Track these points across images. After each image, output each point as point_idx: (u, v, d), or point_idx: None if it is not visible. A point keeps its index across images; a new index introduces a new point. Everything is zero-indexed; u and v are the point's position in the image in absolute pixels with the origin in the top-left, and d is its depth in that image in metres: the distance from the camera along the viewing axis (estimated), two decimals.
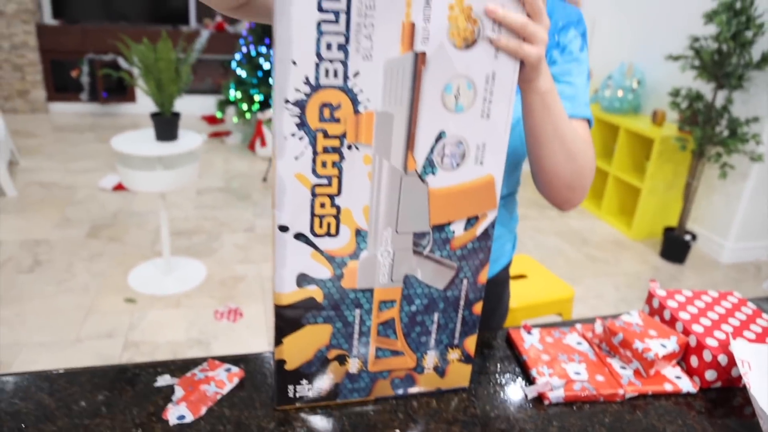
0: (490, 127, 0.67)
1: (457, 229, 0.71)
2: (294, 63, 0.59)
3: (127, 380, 0.78)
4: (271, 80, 4.93)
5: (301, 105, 0.60)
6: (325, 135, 0.62)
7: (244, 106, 4.95)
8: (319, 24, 0.58)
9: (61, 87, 5.89)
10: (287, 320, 0.71)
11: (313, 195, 0.65)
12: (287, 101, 0.60)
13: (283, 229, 0.65)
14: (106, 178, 4.01)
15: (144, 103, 6.15)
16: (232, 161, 4.68)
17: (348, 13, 0.58)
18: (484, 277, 0.75)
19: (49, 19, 5.90)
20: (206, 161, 4.60)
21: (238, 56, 5.09)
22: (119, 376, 0.79)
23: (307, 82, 0.60)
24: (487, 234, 0.72)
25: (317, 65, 0.59)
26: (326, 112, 0.61)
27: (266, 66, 4.90)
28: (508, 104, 0.67)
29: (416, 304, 0.74)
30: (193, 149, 2.58)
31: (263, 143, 4.72)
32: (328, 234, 0.67)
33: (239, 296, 2.71)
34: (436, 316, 0.75)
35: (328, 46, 0.59)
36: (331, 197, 0.65)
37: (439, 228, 0.70)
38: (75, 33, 5.78)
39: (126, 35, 5.80)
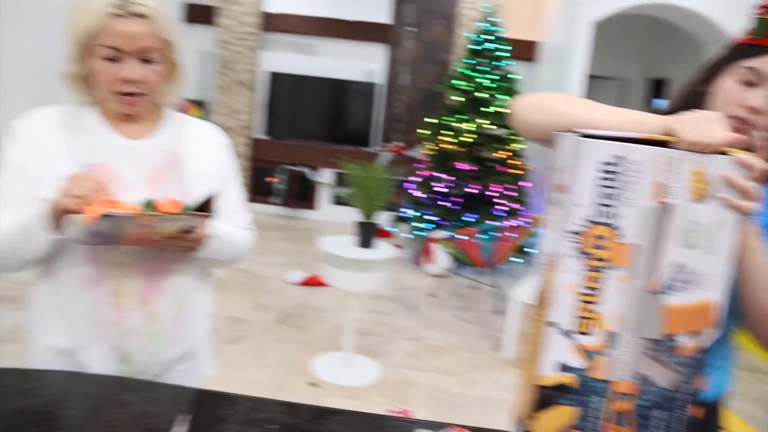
0: (716, 261, 0.87)
1: (684, 340, 0.89)
2: (577, 205, 0.84)
3: None
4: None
5: (578, 234, 0.85)
6: (593, 258, 0.85)
7: (417, 224, 5.38)
8: (598, 180, 0.83)
9: (260, 190, 6.83)
10: (543, 398, 0.91)
11: (579, 301, 0.87)
12: (568, 231, 0.85)
13: (552, 324, 0.88)
14: (293, 273, 4.52)
15: (325, 212, 6.88)
16: (402, 273, 5.04)
17: (619, 174, 0.82)
18: (704, 384, 0.91)
19: (260, 134, 6.97)
20: None
21: (414, 178, 5.61)
22: None
23: (585, 218, 0.84)
24: (707, 348, 0.89)
25: (593, 208, 0.84)
26: (596, 241, 0.85)
27: (438, 188, 5.34)
28: (731, 245, 0.87)
29: (647, 399, 0.91)
30: (387, 257, 2.93)
31: (430, 260, 5.05)
32: (586, 333, 0.88)
33: (410, 399, 2.91)
34: (663, 413, 0.91)
35: (603, 195, 0.83)
36: (592, 305, 0.87)
37: (669, 337, 0.88)
38: (278, 147, 6.75)
39: (317, 152, 6.68)
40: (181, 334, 1.22)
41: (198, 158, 1.20)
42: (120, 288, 1.12)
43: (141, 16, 1.02)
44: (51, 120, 1.12)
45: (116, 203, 1.01)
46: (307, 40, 6.87)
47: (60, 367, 1.15)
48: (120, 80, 1.05)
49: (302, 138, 6.87)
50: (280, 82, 6.81)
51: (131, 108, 1.11)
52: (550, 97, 1.05)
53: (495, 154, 5.34)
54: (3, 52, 4.07)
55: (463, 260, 4.54)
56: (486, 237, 4.37)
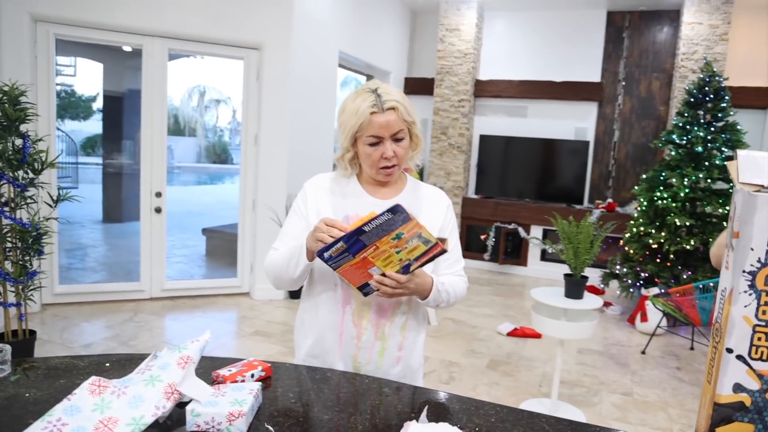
0: None
1: None
2: (752, 249, 1.02)
3: None
4: (660, 260, 5.20)
5: (753, 274, 1.02)
6: (766, 294, 1.02)
7: (629, 281, 5.28)
8: None
9: (472, 247, 7.23)
10: (721, 415, 1.07)
11: (753, 331, 1.04)
12: (744, 271, 1.03)
13: (729, 351, 1.05)
14: (503, 324, 4.76)
15: (534, 268, 7.02)
16: (611, 330, 4.98)
17: None
18: None
19: (471, 194, 7.43)
20: None
21: (627, 234, 5.54)
22: None
23: (759, 261, 1.02)
24: None
25: (765, 251, 1.01)
26: None
27: (654, 245, 5.21)
28: None
29: None
30: (594, 308, 3.05)
31: (644, 318, 4.92)
32: (761, 359, 1.04)
33: None
34: None
35: None
36: (766, 335, 1.03)
37: None
38: (488, 206, 7.12)
39: (528, 210, 6.89)
40: (401, 357, 1.58)
41: (427, 214, 1.59)
42: (360, 310, 1.52)
43: (392, 109, 1.46)
44: (327, 185, 1.61)
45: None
46: (518, 102, 7.25)
47: (312, 364, 1.58)
48: (382, 158, 1.49)
49: (512, 197, 7.16)
50: (490, 144, 7.24)
51: (389, 177, 1.54)
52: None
53: (715, 210, 5.07)
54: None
55: (679, 318, 4.37)
56: (705, 295, 4.18)
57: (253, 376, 1.39)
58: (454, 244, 1.63)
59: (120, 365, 1.48)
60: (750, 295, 1.06)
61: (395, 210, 1.26)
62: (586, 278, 3.14)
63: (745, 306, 1.06)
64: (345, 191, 1.58)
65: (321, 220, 1.36)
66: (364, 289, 1.41)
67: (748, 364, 1.07)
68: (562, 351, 3.25)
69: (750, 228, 1.04)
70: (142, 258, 4.88)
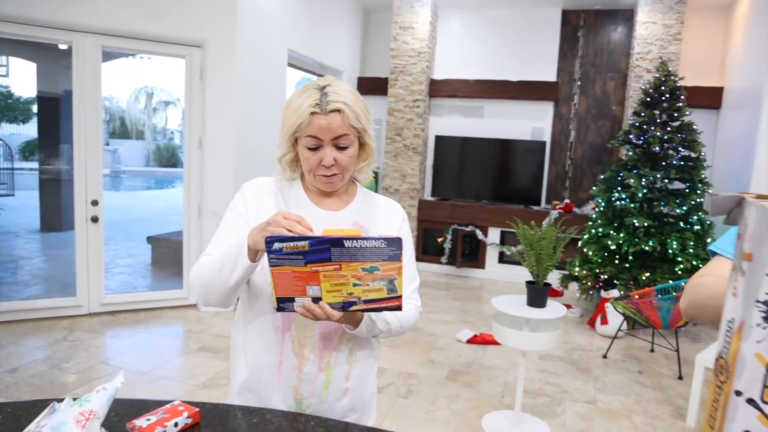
0: None
1: None
2: (766, 275, 0.86)
3: None
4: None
5: (767, 304, 0.86)
6: None
7: (588, 283, 5.21)
8: None
9: (428, 250, 7.07)
10: None
11: (767, 370, 0.87)
12: (758, 301, 0.86)
13: (738, 393, 0.88)
14: (462, 331, 4.60)
15: (492, 270, 6.92)
16: (571, 333, 4.89)
17: None
18: None
19: (428, 196, 7.28)
20: None
21: (586, 236, 5.47)
22: None
23: None
24: None
25: None
26: None
27: (612, 247, 5.15)
28: None
29: None
30: (558, 317, 2.91)
31: (604, 321, 4.84)
32: None
33: None
34: None
35: None
36: None
37: None
38: (445, 208, 6.98)
39: (484, 212, 6.78)
40: (350, 389, 1.38)
41: (380, 228, 1.41)
42: (302, 337, 1.32)
43: (336, 111, 1.26)
44: (268, 188, 1.40)
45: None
46: (474, 102, 7.14)
47: (247, 402, 1.36)
48: (321, 165, 1.29)
49: (469, 198, 7.04)
50: (445, 144, 7.10)
51: (329, 186, 1.34)
52: (701, 292, 1.17)
53: (672, 210, 5.05)
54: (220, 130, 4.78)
55: (638, 321, 4.30)
56: (666, 297, 4.12)
57: (176, 425, 1.17)
58: (407, 261, 1.41)
59: (14, 418, 1.22)
60: (764, 329, 0.89)
61: (393, 242, 1.10)
62: (549, 285, 2.99)
63: (758, 342, 0.89)
64: (288, 198, 1.39)
65: (278, 212, 1.16)
66: (283, 303, 1.17)
67: (760, 409, 0.90)
68: (525, 361, 3.09)
69: (766, 249, 0.88)
70: (78, 271, 4.53)
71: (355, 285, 1.14)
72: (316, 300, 1.16)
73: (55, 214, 8.32)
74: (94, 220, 4.52)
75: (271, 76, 5.39)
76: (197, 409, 1.18)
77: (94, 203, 4.51)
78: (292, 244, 1.09)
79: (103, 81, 4.44)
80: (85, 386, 3.30)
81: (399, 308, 1.17)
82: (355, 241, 1.09)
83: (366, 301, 1.16)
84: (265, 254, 1.12)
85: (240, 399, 1.38)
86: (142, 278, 6.28)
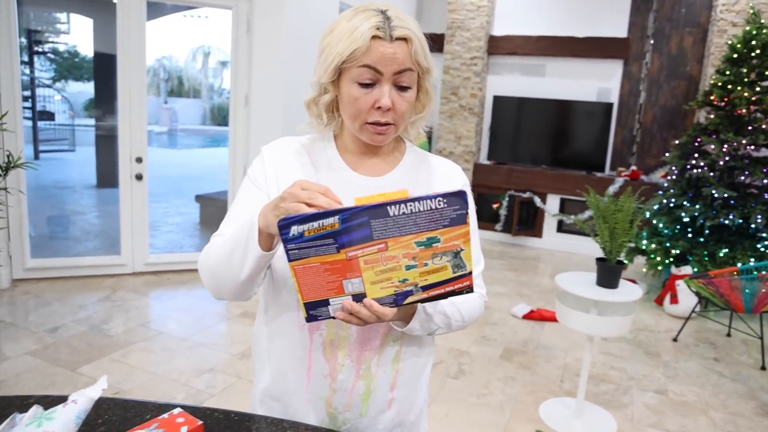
0: None
1: None
2: None
3: None
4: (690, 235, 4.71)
5: None
6: None
7: (657, 258, 4.80)
8: None
9: (482, 216, 6.74)
10: None
11: None
12: None
13: None
14: (518, 306, 4.31)
15: (549, 240, 6.55)
16: (638, 312, 4.53)
17: None
18: None
19: (483, 159, 6.91)
20: None
21: (656, 206, 5.03)
22: None
23: None
24: None
25: None
26: None
27: (686, 219, 4.71)
28: None
29: None
30: (632, 300, 2.59)
31: (674, 300, 4.45)
32: None
33: None
34: None
35: None
36: None
37: None
38: (501, 172, 6.60)
39: (543, 178, 6.38)
40: (396, 399, 1.11)
41: None
42: (335, 338, 1.05)
43: (402, 39, 0.96)
44: (294, 150, 1.11)
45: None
46: (535, 60, 6.66)
47: (270, 412, 1.12)
48: (374, 108, 0.99)
49: (527, 163, 6.63)
50: (504, 105, 6.67)
51: (379, 139, 1.03)
52: None
53: (757, 179, 4.55)
54: (256, 81, 4.57)
55: (716, 303, 3.90)
56: (749, 277, 3.70)
57: None
58: (472, 237, 1.12)
59: None
60: None
61: (455, 199, 0.80)
62: (623, 264, 2.66)
63: None
64: (318, 160, 1.09)
65: (295, 182, 0.87)
66: (314, 309, 0.88)
67: None
68: (591, 347, 2.79)
69: None
70: (122, 229, 4.44)
71: (408, 268, 0.84)
72: (359, 297, 0.87)
73: (110, 170, 8.35)
74: (139, 177, 4.40)
75: (321, 29, 5.06)
76: (200, 422, 0.93)
77: (138, 160, 4.38)
78: (316, 224, 0.80)
79: (157, 39, 4.32)
80: (123, 350, 3.20)
81: (470, 289, 0.87)
82: (402, 206, 0.79)
83: (425, 288, 0.86)
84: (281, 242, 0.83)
85: (263, 408, 1.14)
86: (189, 237, 6.21)
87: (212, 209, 6.52)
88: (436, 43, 6.79)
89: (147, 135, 4.44)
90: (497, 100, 6.70)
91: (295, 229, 0.80)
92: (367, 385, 1.08)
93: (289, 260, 0.82)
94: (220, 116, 25.85)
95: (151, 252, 4.66)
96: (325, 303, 0.87)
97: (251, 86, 4.59)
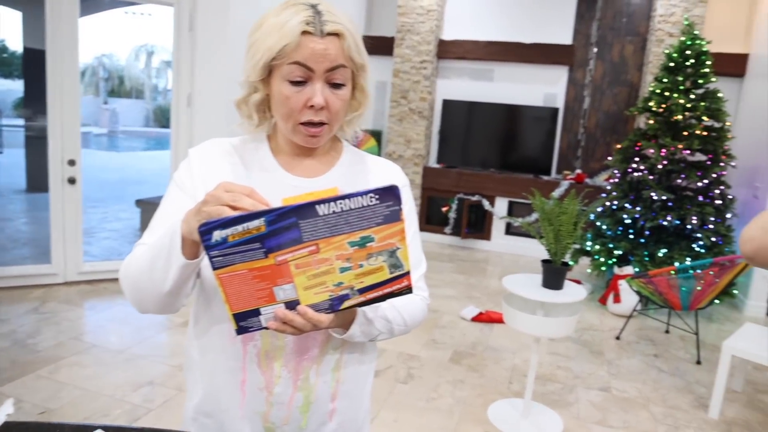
0: None
1: None
2: None
3: None
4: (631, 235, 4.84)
5: None
6: None
7: (601, 259, 4.92)
8: None
9: (431, 219, 6.77)
10: None
11: None
12: None
13: None
14: (467, 308, 4.33)
15: (498, 242, 6.63)
16: (581, 312, 4.61)
17: None
18: None
19: (433, 163, 6.94)
20: None
21: (599, 208, 5.16)
22: None
23: None
24: None
25: None
26: None
27: (628, 221, 4.85)
28: None
29: None
30: (576, 301, 2.62)
31: (617, 299, 4.56)
32: None
33: None
34: None
35: None
36: None
37: None
38: (450, 176, 6.65)
39: (492, 181, 6.46)
40: (337, 410, 1.07)
41: None
42: (270, 349, 1.00)
43: (334, 34, 0.93)
44: (223, 151, 1.05)
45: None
46: (484, 65, 6.74)
47: (204, 429, 1.06)
48: (307, 107, 0.94)
49: (476, 166, 6.70)
50: (453, 109, 6.73)
51: (312, 141, 0.99)
52: None
53: (693, 183, 4.72)
54: (199, 82, 4.45)
55: (655, 301, 4.02)
56: (685, 276, 3.83)
57: None
58: (411, 238, 1.07)
59: None
60: None
61: (387, 194, 0.75)
62: (567, 265, 2.70)
63: None
64: (250, 162, 1.04)
65: (219, 185, 0.81)
66: (244, 320, 0.82)
67: None
68: (538, 348, 2.82)
69: None
70: (53, 236, 4.20)
71: (343, 270, 0.79)
72: (292, 305, 0.82)
73: (41, 173, 7.99)
74: (71, 181, 4.20)
75: None
76: None
77: (71, 163, 4.19)
78: (240, 227, 0.74)
79: (95, 35, 4.14)
80: (52, 365, 3.02)
81: (409, 290, 0.83)
82: (332, 204, 0.74)
83: (362, 290, 0.82)
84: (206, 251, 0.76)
85: (195, 425, 1.07)
86: (129, 244, 5.99)
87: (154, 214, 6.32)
88: (386, 46, 6.81)
89: (81, 136, 4.26)
90: (447, 103, 6.75)
91: (217, 235, 0.74)
92: (306, 396, 1.02)
93: (213, 268, 0.77)
94: (164, 118, 25.23)
95: (85, 260, 4.45)
96: (256, 313, 0.82)
97: (194, 86, 4.47)
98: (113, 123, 20.99)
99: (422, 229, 6.69)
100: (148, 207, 6.46)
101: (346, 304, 0.83)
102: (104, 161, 12.96)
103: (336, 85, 0.96)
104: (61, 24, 4.00)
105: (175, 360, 3.22)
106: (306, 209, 0.75)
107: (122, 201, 8.03)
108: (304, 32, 0.91)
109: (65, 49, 4.04)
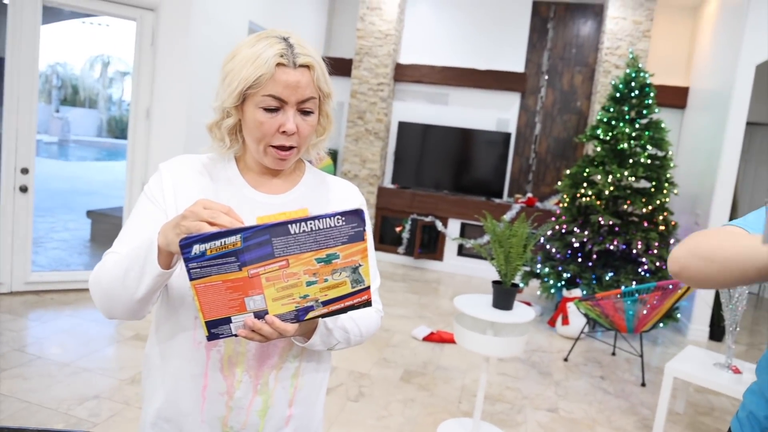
0: None
1: None
2: None
3: None
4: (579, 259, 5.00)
5: None
6: None
7: (551, 281, 5.05)
8: None
9: (385, 239, 6.82)
10: None
11: None
12: None
13: None
14: (419, 328, 4.37)
15: (450, 263, 6.72)
16: (531, 333, 4.72)
17: None
18: None
19: (388, 183, 7.02)
20: None
21: (548, 232, 5.31)
22: None
23: None
24: None
25: None
26: None
27: (576, 244, 5.00)
28: None
29: None
30: (525, 321, 2.70)
31: (565, 321, 4.69)
32: None
33: None
34: None
35: None
36: None
37: None
38: (405, 196, 6.73)
39: (445, 202, 6.57)
40: (294, 415, 1.11)
41: None
42: (233, 354, 1.04)
43: (305, 66, 1.01)
44: (193, 167, 1.10)
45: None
46: (439, 89, 6.88)
47: None
48: (279, 132, 1.01)
49: (430, 187, 6.80)
50: (408, 131, 6.83)
51: (280, 163, 1.06)
52: (710, 241, 0.93)
53: (638, 209, 4.92)
54: (159, 100, 4.41)
55: (602, 324, 4.16)
56: (631, 299, 3.98)
57: None
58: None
59: None
60: None
61: (352, 217, 0.84)
62: (517, 286, 2.77)
63: None
64: (218, 179, 1.09)
65: (197, 201, 0.87)
66: (216, 327, 0.89)
67: None
68: (487, 367, 2.87)
69: None
70: (1, 245, 4.08)
71: (309, 284, 0.87)
72: (261, 314, 0.88)
73: None
74: (23, 189, 4.08)
75: (229, 45, 4.97)
76: None
77: (24, 171, 4.07)
78: (218, 242, 0.82)
79: (51, 44, 4.02)
80: None
81: (368, 303, 0.91)
82: (303, 224, 0.83)
83: (326, 303, 0.89)
84: (183, 261, 0.83)
85: (155, 430, 1.09)
86: (78, 255, 5.83)
87: (105, 226, 6.17)
88: (345, 67, 6.89)
89: (36, 144, 4.15)
90: (402, 125, 6.85)
91: (197, 248, 0.82)
92: (264, 400, 1.06)
93: (191, 279, 0.84)
94: (117, 129, 24.65)
95: (33, 270, 4.32)
96: (227, 321, 0.88)
97: (153, 100, 4.42)
98: (65, 132, 20.38)
99: (376, 248, 6.74)
100: (99, 218, 6.32)
101: (311, 315, 0.90)
102: (54, 170, 12.56)
103: (306, 113, 1.03)
104: (23, 32, 3.91)
105: (124, 373, 3.15)
106: (279, 228, 0.82)
107: (72, 211, 7.80)
108: (278, 64, 0.98)
109: (25, 57, 3.96)
